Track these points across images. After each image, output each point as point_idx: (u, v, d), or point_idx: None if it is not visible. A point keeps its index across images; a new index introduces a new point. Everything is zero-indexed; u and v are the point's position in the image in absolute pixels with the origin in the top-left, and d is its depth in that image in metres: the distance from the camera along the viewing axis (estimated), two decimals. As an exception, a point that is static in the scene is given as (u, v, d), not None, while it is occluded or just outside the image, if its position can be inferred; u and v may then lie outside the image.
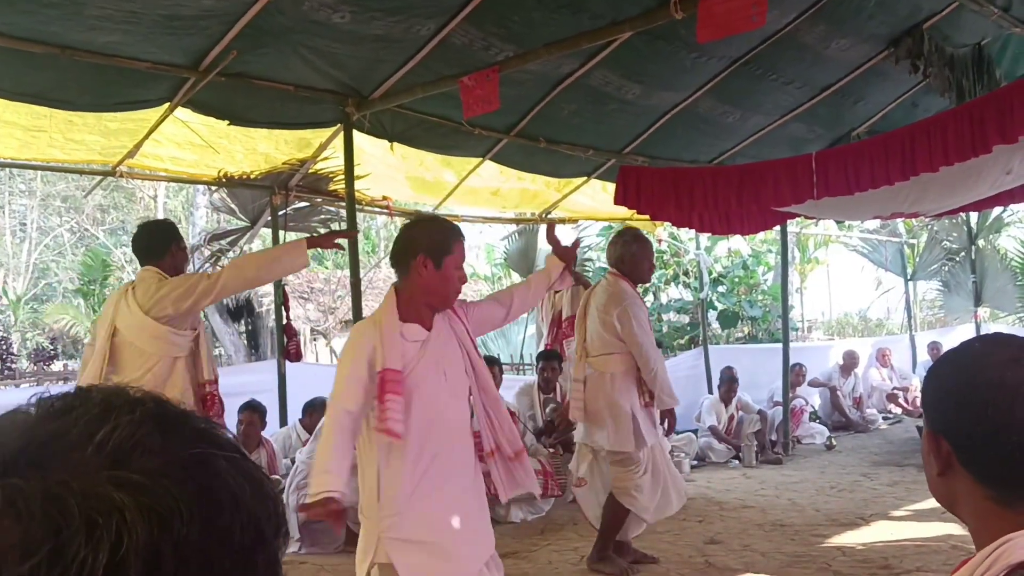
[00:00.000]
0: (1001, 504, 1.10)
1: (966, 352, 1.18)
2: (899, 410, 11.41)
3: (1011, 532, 1.06)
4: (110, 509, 0.50)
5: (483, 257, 20.78)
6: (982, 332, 11.12)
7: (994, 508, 1.10)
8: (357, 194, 6.25)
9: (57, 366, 19.01)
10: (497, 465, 3.17)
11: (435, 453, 2.98)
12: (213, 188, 7.14)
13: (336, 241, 4.57)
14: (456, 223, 3.31)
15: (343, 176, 6.00)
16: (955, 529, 5.42)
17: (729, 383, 8.90)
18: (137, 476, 0.52)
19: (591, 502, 5.25)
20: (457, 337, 3.13)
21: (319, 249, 5.62)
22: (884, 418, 11.13)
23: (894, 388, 11.62)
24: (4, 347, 17.78)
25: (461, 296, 3.21)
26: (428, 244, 3.03)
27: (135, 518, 0.50)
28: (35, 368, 18.17)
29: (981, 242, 12.80)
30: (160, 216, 19.24)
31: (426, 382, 2.99)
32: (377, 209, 7.57)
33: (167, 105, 5.17)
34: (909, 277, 13.68)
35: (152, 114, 5.29)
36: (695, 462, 8.53)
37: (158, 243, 4.21)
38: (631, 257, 5.14)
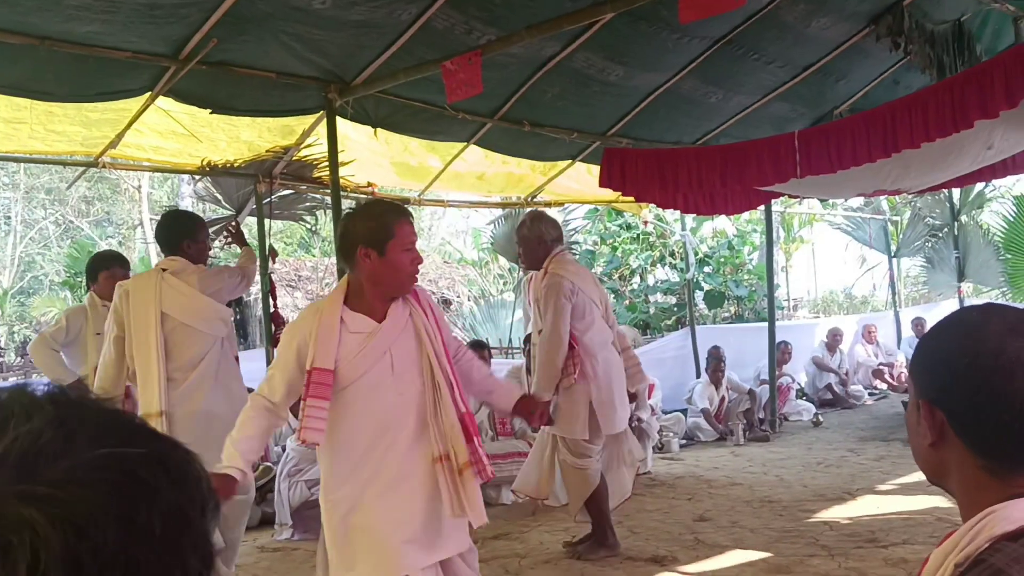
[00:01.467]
0: (992, 474, 1.10)
1: (964, 320, 1.17)
2: (885, 386, 11.51)
3: (998, 503, 1.06)
4: (21, 527, 0.48)
5: (470, 242, 20.77)
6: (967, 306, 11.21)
7: (985, 478, 1.10)
8: (342, 180, 6.24)
9: (44, 359, 18.88)
10: (445, 474, 2.85)
11: (380, 456, 2.82)
12: (197, 177, 7.11)
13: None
14: (403, 204, 3.20)
15: (327, 163, 5.99)
16: (941, 502, 5.48)
17: (716, 363, 8.96)
18: (44, 488, 0.50)
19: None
20: (415, 329, 2.90)
21: (303, 231, 5.91)
22: (870, 394, 11.23)
23: (880, 364, 11.73)
24: (-9, 341, 17.71)
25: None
26: (366, 234, 2.82)
27: (48, 532, 0.49)
28: (23, 361, 18.10)
29: (964, 218, 12.88)
30: (145, 207, 19.13)
31: (368, 378, 2.82)
32: (363, 195, 7.55)
33: (148, 94, 5.15)
34: (893, 254, 13.76)
35: (133, 104, 5.26)
36: (683, 441, 8.59)
37: (174, 236, 4.45)
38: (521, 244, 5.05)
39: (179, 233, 4.42)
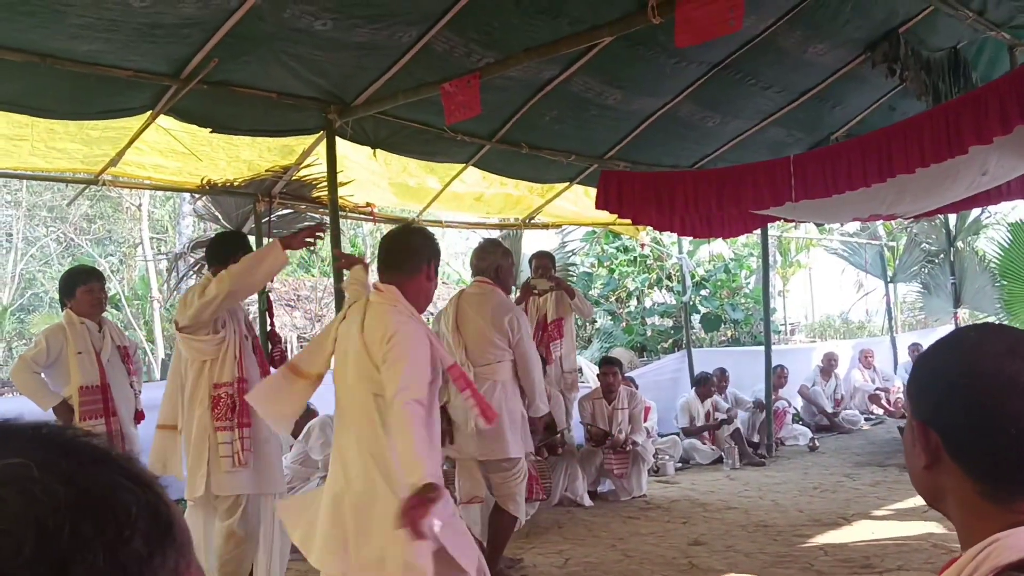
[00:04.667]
0: (990, 499, 1.06)
1: (961, 340, 1.13)
2: (881, 411, 11.49)
3: (999, 530, 1.02)
4: None
5: (468, 263, 20.75)
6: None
7: (983, 504, 1.06)
8: (341, 201, 6.27)
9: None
10: None
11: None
12: (197, 196, 7.13)
13: (307, 239, 4.35)
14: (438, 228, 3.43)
15: (326, 183, 6.02)
16: (936, 528, 5.48)
17: (704, 383, 9.02)
18: None
19: (482, 516, 5.08)
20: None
21: (303, 251, 5.71)
22: (866, 419, 11.21)
23: (876, 389, 11.70)
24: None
25: None
26: (433, 252, 3.33)
27: None
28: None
29: (960, 244, 12.91)
30: (145, 226, 19.15)
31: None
32: (361, 216, 7.58)
33: (149, 113, 5.18)
34: (889, 279, 13.78)
35: (134, 122, 5.30)
36: (679, 464, 8.57)
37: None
38: (508, 268, 5.10)
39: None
